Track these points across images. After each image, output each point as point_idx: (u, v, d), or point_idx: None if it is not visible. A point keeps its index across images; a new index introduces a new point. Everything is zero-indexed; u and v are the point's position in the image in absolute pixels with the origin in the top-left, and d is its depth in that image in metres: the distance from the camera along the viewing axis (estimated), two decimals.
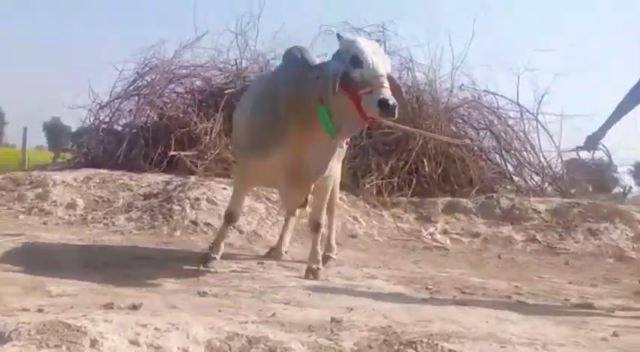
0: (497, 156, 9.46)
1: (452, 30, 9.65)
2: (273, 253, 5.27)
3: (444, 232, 7.45)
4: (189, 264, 4.57)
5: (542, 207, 7.72)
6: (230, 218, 4.67)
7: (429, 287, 4.46)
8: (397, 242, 6.92)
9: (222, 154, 7.84)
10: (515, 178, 9.25)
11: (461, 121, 9.63)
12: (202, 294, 3.54)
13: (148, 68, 9.47)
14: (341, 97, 3.76)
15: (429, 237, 7.28)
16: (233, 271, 4.48)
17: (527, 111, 9.52)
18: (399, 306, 3.58)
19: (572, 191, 9.55)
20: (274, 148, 4.07)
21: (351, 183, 8.19)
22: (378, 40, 9.57)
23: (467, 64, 9.44)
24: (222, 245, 4.70)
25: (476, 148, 9.34)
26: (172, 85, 9.47)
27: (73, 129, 13.71)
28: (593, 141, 4.18)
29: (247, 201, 6.58)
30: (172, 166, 8.02)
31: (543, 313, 3.79)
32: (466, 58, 9.39)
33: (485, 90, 9.71)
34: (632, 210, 7.73)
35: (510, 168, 9.47)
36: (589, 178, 12.97)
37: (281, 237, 5.43)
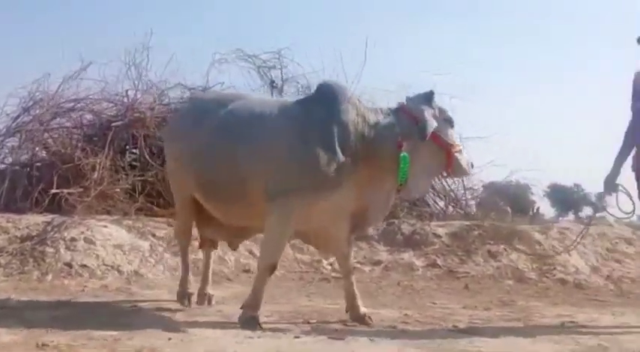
0: None
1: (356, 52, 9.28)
2: (198, 299, 4.68)
3: None
4: (49, 311, 4.13)
5: (442, 231, 7.61)
6: (273, 269, 4.10)
7: (311, 321, 4.19)
8: (294, 274, 6.61)
9: (108, 191, 7.36)
10: (418, 203, 9.13)
11: None
12: (41, 347, 3.12)
13: (32, 102, 8.89)
14: (432, 148, 4.07)
15: (330, 268, 7.02)
16: (96, 318, 4.06)
17: None
18: (265, 346, 3.27)
19: (492, 214, 9.46)
20: (337, 187, 3.88)
21: None
22: (273, 67, 9.55)
23: (366, 88, 9.29)
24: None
25: None
26: (59, 119, 8.90)
27: None
28: (610, 183, 4.26)
29: (129, 239, 6.16)
30: (55, 205, 7.47)
31: (421, 342, 3.58)
32: (362, 82, 9.21)
33: None
34: (531, 230, 7.73)
35: None
36: (507, 201, 13.12)
37: (204, 278, 4.82)
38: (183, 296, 4.64)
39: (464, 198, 9.60)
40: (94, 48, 10.21)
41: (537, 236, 7.52)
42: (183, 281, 4.71)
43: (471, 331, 3.99)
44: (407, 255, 7.26)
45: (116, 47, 9.56)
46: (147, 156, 8.17)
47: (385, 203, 4.22)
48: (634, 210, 4.39)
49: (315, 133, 3.91)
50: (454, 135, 4.24)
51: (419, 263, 7.13)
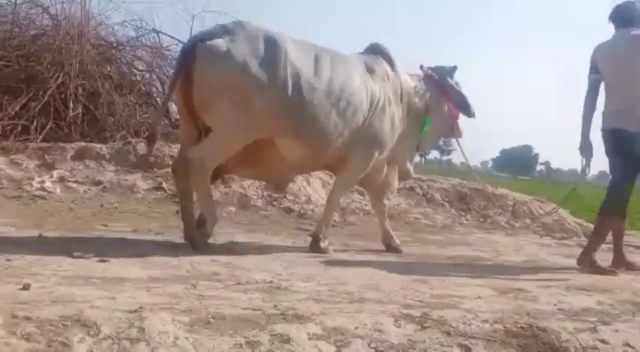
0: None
1: None
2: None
3: (62, 180, 6.43)
4: None
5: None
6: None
7: None
8: None
9: None
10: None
11: (122, 61, 8.67)
12: None
13: None
14: (446, 113, 4.90)
15: (39, 186, 6.23)
16: None
17: None
18: None
19: None
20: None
21: None
22: None
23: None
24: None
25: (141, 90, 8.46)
26: None
27: None
28: (585, 150, 4.35)
29: None
30: None
31: None
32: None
33: (154, 29, 8.81)
34: None
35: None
36: None
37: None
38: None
39: None
40: None
41: None
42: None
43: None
44: (132, 177, 6.62)
45: None
46: None
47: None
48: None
49: (394, 97, 4.45)
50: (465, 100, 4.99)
51: (144, 185, 6.52)
